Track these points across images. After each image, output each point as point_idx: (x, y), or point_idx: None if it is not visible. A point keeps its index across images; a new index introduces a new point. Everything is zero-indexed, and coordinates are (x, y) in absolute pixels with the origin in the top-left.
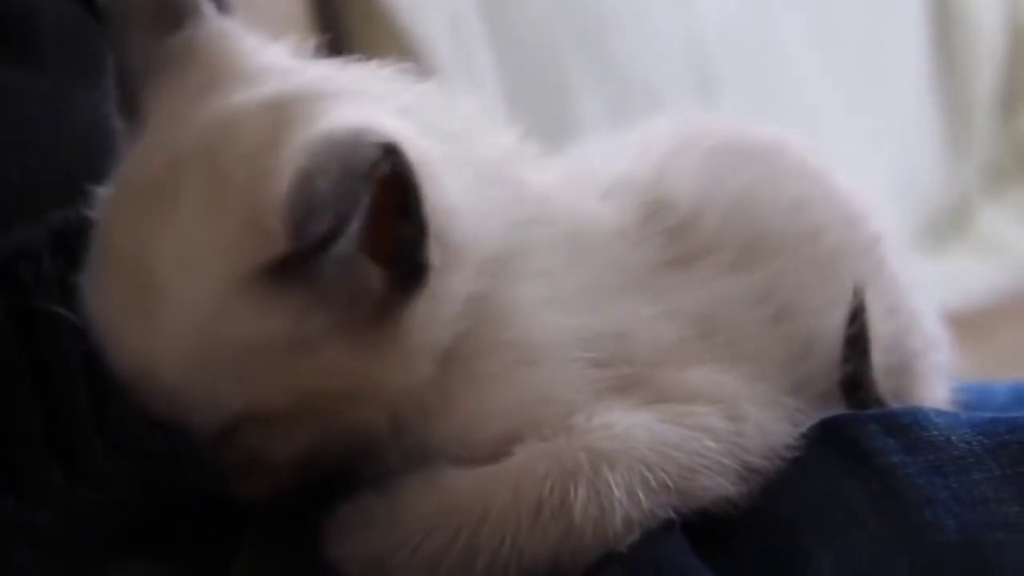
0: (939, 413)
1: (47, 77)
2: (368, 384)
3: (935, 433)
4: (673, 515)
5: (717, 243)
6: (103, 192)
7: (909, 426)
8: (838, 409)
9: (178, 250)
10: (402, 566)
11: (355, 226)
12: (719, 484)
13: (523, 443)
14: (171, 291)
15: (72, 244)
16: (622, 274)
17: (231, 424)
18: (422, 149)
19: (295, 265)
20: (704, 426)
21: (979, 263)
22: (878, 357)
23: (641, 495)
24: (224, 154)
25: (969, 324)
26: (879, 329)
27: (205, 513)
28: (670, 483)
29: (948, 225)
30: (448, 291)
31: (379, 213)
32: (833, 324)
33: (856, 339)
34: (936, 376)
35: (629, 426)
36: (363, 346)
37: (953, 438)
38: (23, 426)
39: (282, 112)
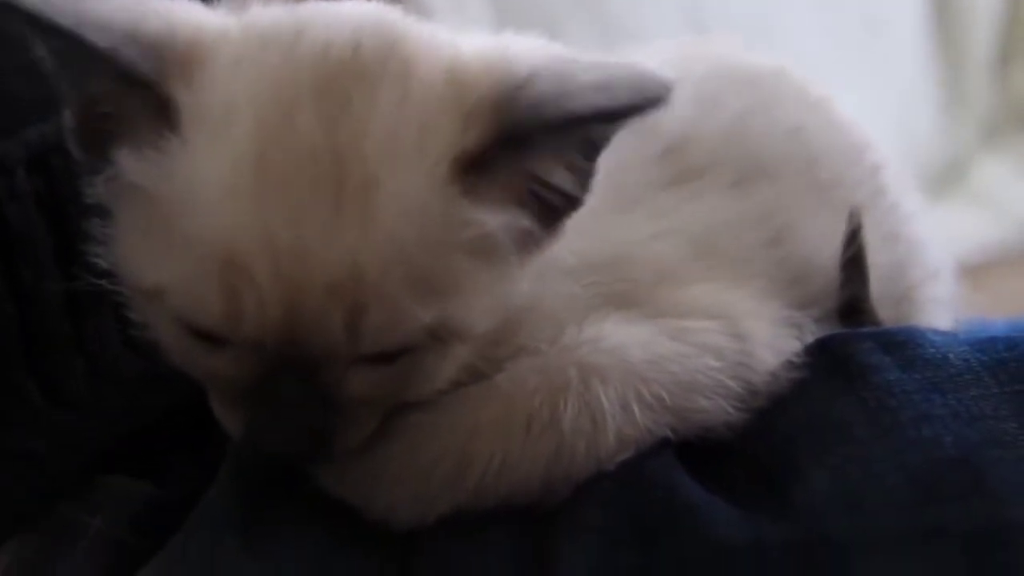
0: (936, 332)
1: None
2: (506, 305)
3: (932, 351)
4: (670, 434)
5: (712, 165)
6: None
7: (906, 343)
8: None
9: (385, 140)
10: (395, 478)
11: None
12: (720, 407)
13: (515, 359)
14: (382, 181)
15: (50, 160)
16: (617, 195)
17: (411, 341)
18: None
19: (498, 157)
20: (705, 343)
21: (974, 217)
22: (877, 286)
23: (635, 410)
24: (412, 51)
25: (964, 277)
26: (878, 257)
27: (187, 434)
28: (667, 400)
29: (944, 179)
30: None
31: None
32: (832, 250)
33: (853, 262)
34: (937, 307)
35: (622, 339)
36: (527, 259)
37: (951, 356)
38: (2, 348)
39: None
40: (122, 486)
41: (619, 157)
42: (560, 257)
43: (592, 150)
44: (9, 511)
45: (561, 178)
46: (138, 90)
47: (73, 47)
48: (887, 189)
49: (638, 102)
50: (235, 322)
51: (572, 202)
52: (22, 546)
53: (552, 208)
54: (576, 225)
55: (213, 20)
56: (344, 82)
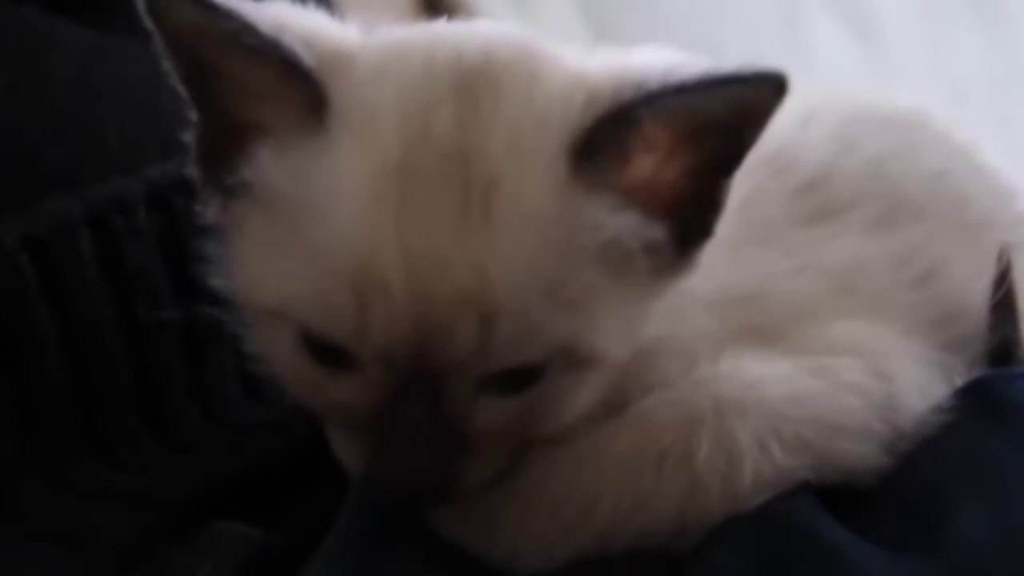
0: None
1: (145, 44)
2: (639, 334)
3: None
4: (811, 477)
5: (852, 204)
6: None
7: None
8: None
9: (507, 140)
10: (516, 520)
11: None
12: (864, 449)
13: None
14: (503, 181)
15: (172, 199)
16: (753, 229)
17: (542, 363)
18: None
19: (608, 137)
20: (848, 382)
21: None
22: None
23: (774, 448)
24: (539, 60)
25: None
26: None
27: (301, 481)
28: (808, 439)
29: None
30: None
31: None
32: (982, 293)
33: (1004, 304)
34: None
35: (760, 374)
36: (659, 284)
37: None
38: (116, 389)
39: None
40: (233, 531)
41: (753, 191)
42: (695, 291)
43: (717, 165)
44: (112, 551)
45: (684, 183)
46: (296, 82)
47: (239, 33)
48: None
49: (746, 76)
50: (365, 333)
51: (704, 227)
52: None
53: (684, 228)
54: (711, 258)
55: (351, 31)
56: (475, 86)
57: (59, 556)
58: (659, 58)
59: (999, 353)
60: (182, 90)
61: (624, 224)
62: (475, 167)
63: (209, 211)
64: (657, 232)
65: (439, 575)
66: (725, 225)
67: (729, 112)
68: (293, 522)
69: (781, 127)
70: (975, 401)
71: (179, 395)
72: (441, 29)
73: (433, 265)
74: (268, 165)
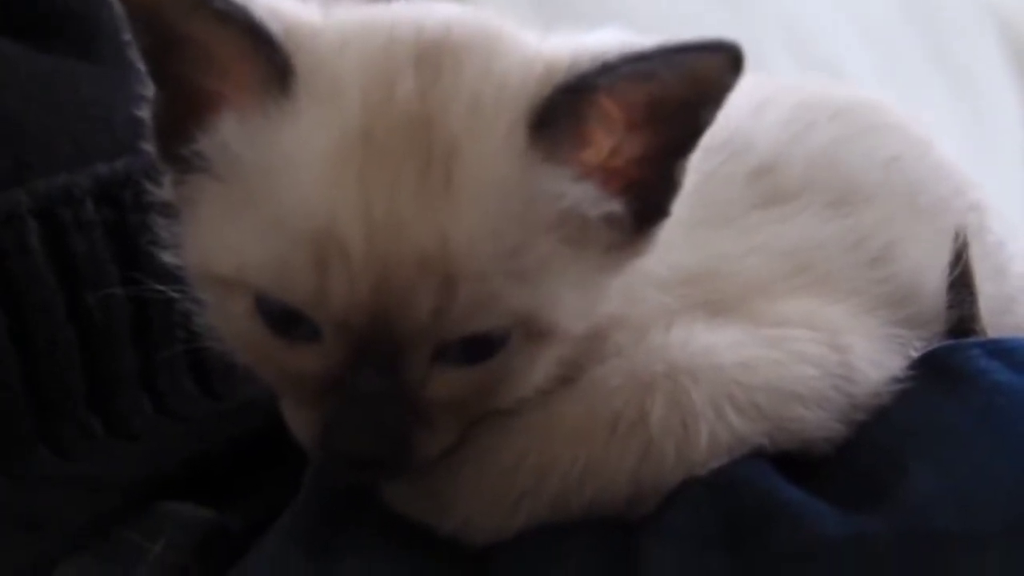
0: None
1: (105, 68)
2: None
3: None
4: (766, 443)
5: (806, 188)
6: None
7: (1014, 350)
8: None
9: (467, 107)
10: (467, 488)
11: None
12: (819, 417)
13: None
14: (463, 148)
15: (121, 194)
16: (708, 211)
17: (502, 332)
18: None
19: (566, 105)
20: (802, 352)
21: None
22: (986, 318)
23: (728, 412)
24: (498, 35)
25: None
26: (986, 287)
27: (253, 465)
28: (762, 405)
29: None
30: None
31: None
32: (939, 273)
33: (961, 282)
34: None
35: (713, 342)
36: (617, 261)
37: None
38: (67, 380)
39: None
40: (185, 512)
41: (708, 174)
42: (651, 269)
43: (675, 144)
44: (65, 532)
45: (642, 160)
46: (262, 50)
47: (210, 1)
48: (992, 227)
49: (701, 45)
50: (323, 298)
51: (661, 207)
52: (79, 570)
53: (641, 206)
54: (666, 239)
55: (312, 9)
56: (437, 57)
57: (10, 537)
58: (616, 36)
59: (957, 331)
60: (141, 63)
61: (582, 195)
62: (436, 134)
63: (163, 188)
64: (615, 206)
65: (390, 549)
66: (680, 206)
67: (685, 84)
68: (246, 503)
69: (736, 113)
70: (929, 371)
71: (130, 388)
72: (401, 8)
73: (394, 228)
74: (230, 133)
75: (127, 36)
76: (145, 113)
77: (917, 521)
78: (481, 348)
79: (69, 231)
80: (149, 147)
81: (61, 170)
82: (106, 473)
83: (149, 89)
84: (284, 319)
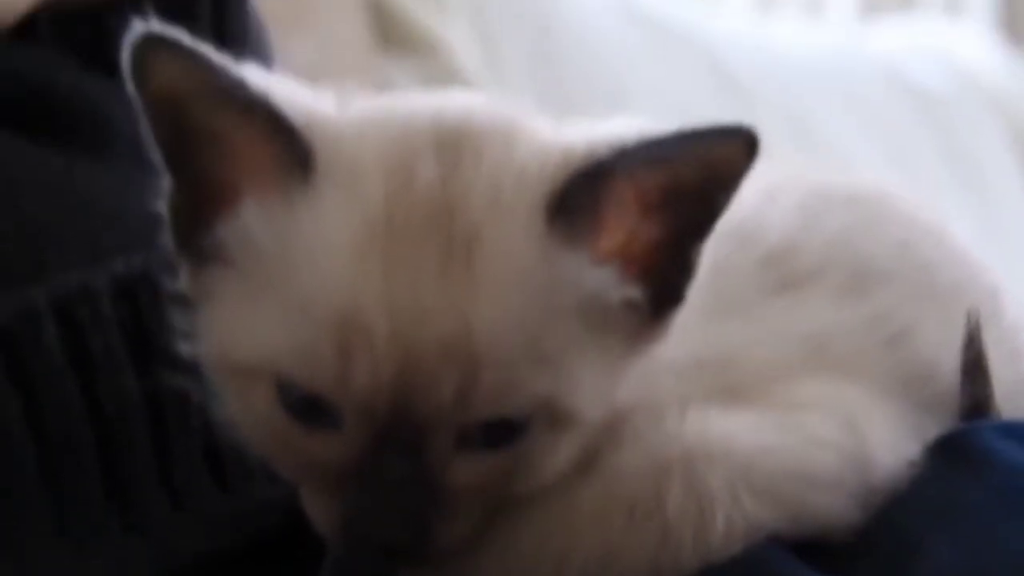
0: None
1: (119, 167)
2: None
3: None
4: (783, 530)
5: (819, 272)
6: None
7: None
8: None
9: (487, 193)
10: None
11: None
12: (837, 503)
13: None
14: (484, 233)
15: (137, 291)
16: (720, 299)
17: (525, 418)
18: None
19: (584, 190)
20: (818, 437)
21: None
22: (1002, 403)
23: (745, 498)
24: (519, 122)
25: None
26: (1001, 373)
27: (270, 562)
28: (779, 491)
29: None
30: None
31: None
32: (954, 355)
33: (974, 365)
34: None
35: (728, 427)
36: (635, 347)
37: None
38: (83, 478)
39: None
40: None
41: (720, 261)
42: (666, 356)
43: (690, 229)
44: None
45: (659, 245)
46: (283, 138)
47: (229, 89)
48: (1006, 312)
49: (717, 130)
50: (346, 384)
51: (677, 292)
52: None
53: (658, 292)
54: (681, 326)
55: (327, 98)
56: (456, 143)
57: None
58: (631, 124)
59: (971, 414)
60: (156, 155)
61: (601, 280)
62: (457, 221)
63: (180, 280)
64: (634, 292)
65: None
66: (694, 294)
67: (701, 169)
68: None
69: (745, 200)
70: (944, 453)
71: (147, 485)
72: (417, 97)
73: (417, 314)
74: (249, 222)
75: (143, 129)
76: (161, 207)
77: None
78: (503, 434)
79: (86, 329)
80: (165, 240)
81: (77, 267)
82: (120, 570)
83: (165, 181)
84: (305, 406)
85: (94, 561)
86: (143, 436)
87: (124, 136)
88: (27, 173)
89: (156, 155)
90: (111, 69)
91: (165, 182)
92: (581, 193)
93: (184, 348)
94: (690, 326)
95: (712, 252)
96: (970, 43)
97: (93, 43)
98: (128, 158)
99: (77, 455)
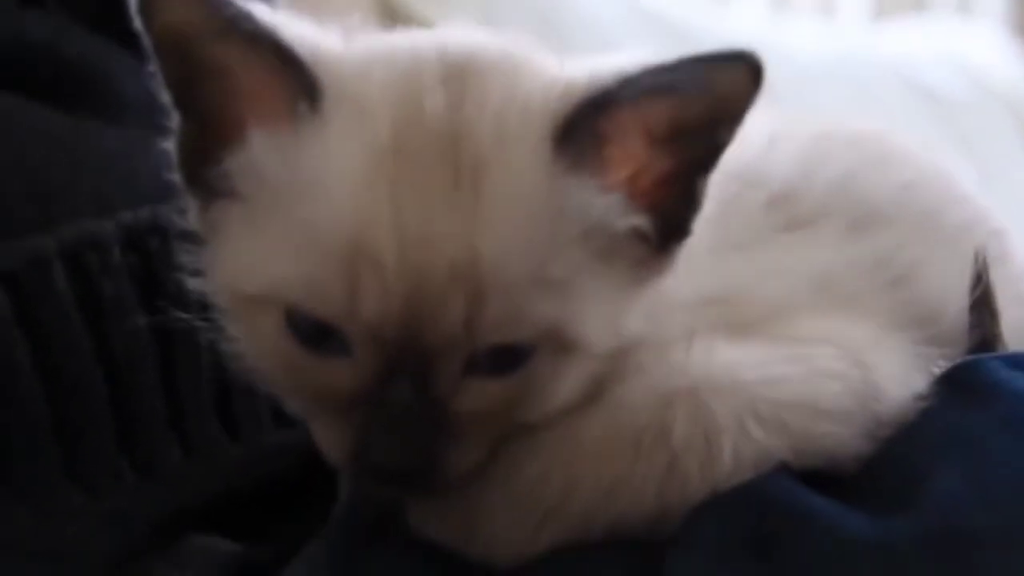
0: None
1: (128, 130)
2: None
3: None
4: (790, 458)
5: (822, 214)
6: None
7: None
8: None
9: (494, 122)
10: (493, 508)
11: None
12: (844, 433)
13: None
14: (491, 161)
15: (148, 240)
16: (728, 238)
17: (531, 344)
18: None
19: (589, 119)
20: (825, 368)
21: None
22: (1008, 340)
23: (752, 426)
24: (521, 56)
25: None
26: (1009, 313)
27: (282, 501)
28: (786, 419)
29: None
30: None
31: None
32: (961, 294)
33: (982, 303)
34: None
35: (734, 358)
36: (641, 278)
37: None
38: (94, 421)
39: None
40: (212, 545)
41: (726, 201)
42: (673, 291)
43: (695, 161)
44: (94, 565)
45: (665, 176)
46: (291, 70)
47: (236, 21)
48: (1014, 255)
49: (720, 55)
50: (355, 310)
51: (683, 225)
52: None
53: (664, 224)
54: (688, 262)
55: (333, 35)
56: (463, 75)
57: (33, 569)
58: (635, 56)
59: (979, 351)
60: (166, 93)
61: (608, 208)
62: (465, 148)
63: (189, 218)
64: (639, 221)
65: (417, 569)
66: (701, 231)
67: (705, 96)
68: (274, 537)
69: (750, 144)
70: (951, 385)
71: (158, 430)
72: (423, 33)
73: (425, 239)
74: (259, 153)
75: (150, 86)
76: (169, 165)
77: (944, 520)
78: (510, 359)
79: (96, 275)
80: (173, 176)
81: (84, 220)
82: (133, 509)
83: (173, 119)
84: (315, 333)
85: (105, 503)
86: (153, 381)
87: (132, 100)
88: (35, 132)
89: (164, 92)
90: (118, 34)
91: (173, 120)
92: (586, 122)
93: (193, 285)
94: (696, 263)
95: (718, 192)
96: (982, 44)
97: (99, 9)
98: (137, 121)
99: (87, 399)
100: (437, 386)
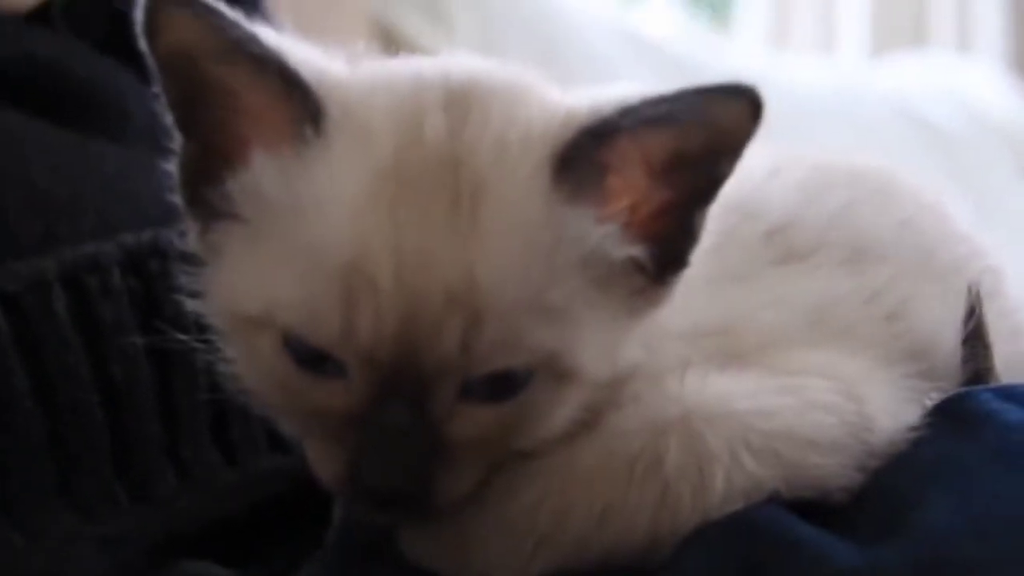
0: None
1: (131, 150)
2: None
3: None
4: (782, 491)
5: (821, 246)
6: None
7: None
8: None
9: (494, 148)
10: (487, 534)
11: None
12: (836, 465)
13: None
14: (490, 186)
15: (148, 263)
16: (724, 269)
17: (527, 371)
18: None
19: (588, 149)
20: (818, 400)
21: None
22: (1001, 375)
23: (744, 457)
24: (524, 84)
25: None
26: (1003, 348)
27: (274, 526)
28: (779, 451)
29: None
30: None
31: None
32: (954, 330)
33: (974, 337)
34: None
35: (727, 389)
36: (638, 308)
37: None
38: (90, 446)
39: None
40: (205, 571)
41: (724, 233)
42: (669, 321)
43: (694, 193)
44: None
45: (663, 207)
46: (295, 93)
47: (242, 43)
48: (1007, 291)
49: (719, 88)
50: (351, 334)
51: (680, 256)
52: None
53: (662, 255)
54: (684, 292)
55: (339, 61)
56: (464, 100)
57: None
58: (636, 88)
59: (973, 385)
60: (169, 114)
61: (606, 237)
62: (464, 174)
63: (189, 238)
64: (637, 251)
65: None
66: (698, 262)
67: (705, 128)
68: (266, 564)
69: (749, 176)
70: (943, 417)
71: (154, 455)
72: (427, 60)
73: (422, 263)
74: (261, 175)
75: (156, 108)
76: (173, 185)
77: (934, 550)
78: (506, 386)
79: (95, 298)
80: (175, 198)
81: (86, 240)
82: (127, 533)
83: (176, 140)
84: (311, 355)
85: (100, 528)
86: (150, 406)
87: (137, 120)
88: (40, 150)
89: (167, 113)
90: (124, 55)
91: (176, 141)
92: (586, 150)
93: (192, 307)
94: (693, 294)
95: (716, 224)
96: (981, 79)
97: (106, 29)
98: (141, 141)
99: (84, 423)
100: (432, 409)
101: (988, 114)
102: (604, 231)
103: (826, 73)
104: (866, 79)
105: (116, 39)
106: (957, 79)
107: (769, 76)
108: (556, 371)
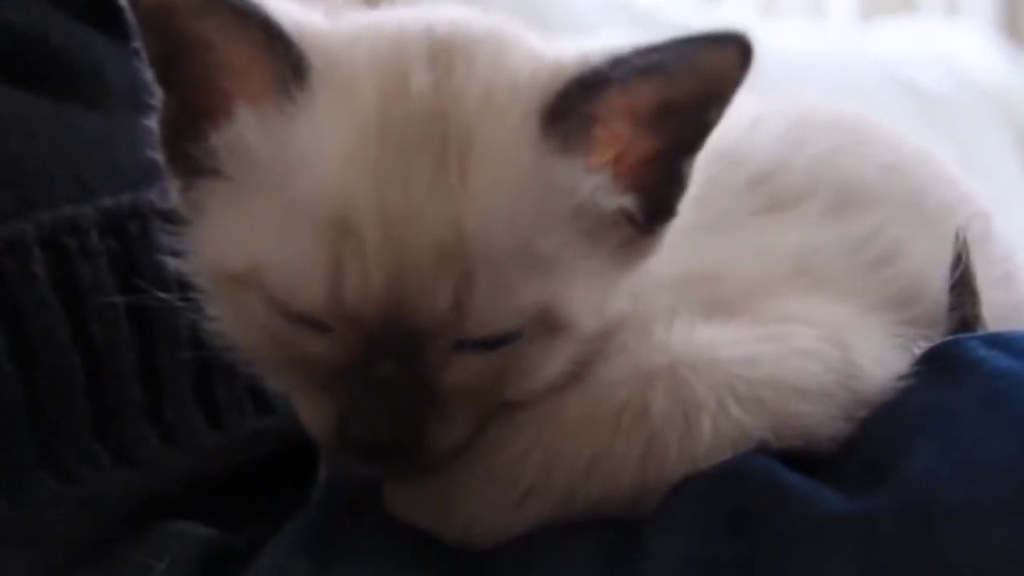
0: None
1: (110, 117)
2: (607, 310)
3: None
4: (770, 438)
5: (806, 194)
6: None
7: (1012, 340)
8: None
9: (480, 99)
10: (473, 483)
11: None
12: (824, 413)
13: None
14: (477, 138)
15: (127, 226)
16: (710, 219)
17: (517, 327)
18: None
19: (578, 100)
20: (804, 348)
21: None
22: (993, 325)
23: (731, 404)
24: (508, 34)
25: None
26: (993, 294)
27: (258, 489)
28: (765, 399)
29: None
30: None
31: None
32: (942, 275)
33: (961, 284)
34: None
35: (713, 337)
36: (628, 259)
37: None
38: (71, 408)
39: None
40: (189, 531)
41: (708, 182)
42: (656, 271)
43: (682, 142)
44: (69, 551)
45: (652, 157)
46: (277, 47)
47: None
48: (998, 236)
49: (710, 36)
50: (337, 296)
51: (668, 205)
52: None
53: (650, 204)
54: (671, 242)
55: (319, 14)
56: (449, 52)
57: (14, 558)
58: (625, 38)
59: (960, 331)
60: (151, 71)
61: (595, 188)
62: (451, 127)
63: (171, 195)
64: (626, 201)
65: (393, 555)
66: (684, 211)
67: (695, 76)
68: (251, 522)
69: (732, 126)
70: (931, 365)
71: (136, 418)
72: (408, 10)
73: (409, 218)
74: (243, 131)
75: (135, 75)
76: (153, 123)
77: (921, 496)
78: (499, 339)
79: (74, 260)
80: (157, 155)
81: (62, 205)
82: (110, 495)
83: (157, 97)
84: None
85: (81, 490)
86: (132, 367)
87: (114, 86)
88: (16, 117)
89: (148, 69)
90: (101, 21)
91: (157, 97)
92: (575, 101)
93: (174, 266)
94: (678, 243)
95: (701, 173)
96: (971, 44)
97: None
98: (119, 108)
99: (64, 385)
100: (425, 362)
101: (976, 78)
102: (593, 182)
103: (815, 39)
104: (856, 45)
105: (93, 6)
106: (946, 44)
107: (759, 42)
108: (548, 323)
